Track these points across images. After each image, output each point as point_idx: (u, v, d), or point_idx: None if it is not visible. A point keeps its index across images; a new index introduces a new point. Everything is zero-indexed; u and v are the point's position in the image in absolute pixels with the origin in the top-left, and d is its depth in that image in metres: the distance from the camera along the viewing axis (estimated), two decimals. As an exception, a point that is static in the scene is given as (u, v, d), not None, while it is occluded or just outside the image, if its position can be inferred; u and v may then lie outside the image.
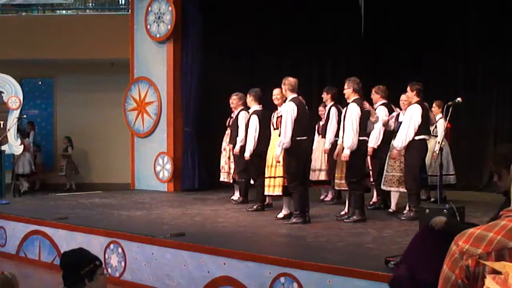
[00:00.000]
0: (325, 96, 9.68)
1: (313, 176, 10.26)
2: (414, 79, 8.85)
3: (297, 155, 8.15)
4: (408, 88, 8.64)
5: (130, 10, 13.38)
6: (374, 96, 9.40)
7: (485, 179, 11.95)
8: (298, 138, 8.07)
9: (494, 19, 12.06)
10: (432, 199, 9.85)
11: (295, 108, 8.07)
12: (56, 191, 14.31)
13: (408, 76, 9.62)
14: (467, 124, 12.29)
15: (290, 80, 8.24)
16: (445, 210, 5.35)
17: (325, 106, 9.85)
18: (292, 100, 8.16)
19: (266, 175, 8.64)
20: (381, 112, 9.10)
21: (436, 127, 9.87)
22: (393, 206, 9.02)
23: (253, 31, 12.92)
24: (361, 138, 8.18)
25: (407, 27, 12.94)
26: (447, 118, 7.86)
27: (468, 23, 12.57)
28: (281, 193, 8.55)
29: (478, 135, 12.34)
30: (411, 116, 8.38)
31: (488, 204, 9.27)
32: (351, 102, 8.23)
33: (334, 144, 9.07)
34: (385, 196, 9.39)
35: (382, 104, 9.33)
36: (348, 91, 8.29)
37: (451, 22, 12.63)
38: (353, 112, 8.11)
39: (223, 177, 10.77)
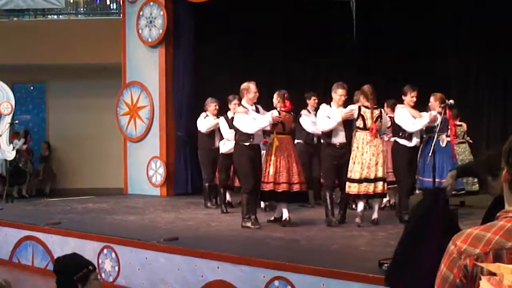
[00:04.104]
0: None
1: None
2: (408, 82, 8.89)
3: None
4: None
5: (121, 15, 13.35)
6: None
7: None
8: None
9: (485, 22, 12.09)
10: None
11: None
12: (38, 196, 14.42)
13: (401, 80, 9.64)
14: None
15: None
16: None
17: None
18: None
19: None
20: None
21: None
22: None
23: (245, 35, 12.91)
24: None
25: (398, 31, 12.95)
26: (441, 121, 7.90)
27: (459, 26, 12.60)
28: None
29: (471, 138, 12.32)
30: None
31: (483, 207, 9.18)
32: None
33: None
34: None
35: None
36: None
37: (443, 25, 12.65)
38: None
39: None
